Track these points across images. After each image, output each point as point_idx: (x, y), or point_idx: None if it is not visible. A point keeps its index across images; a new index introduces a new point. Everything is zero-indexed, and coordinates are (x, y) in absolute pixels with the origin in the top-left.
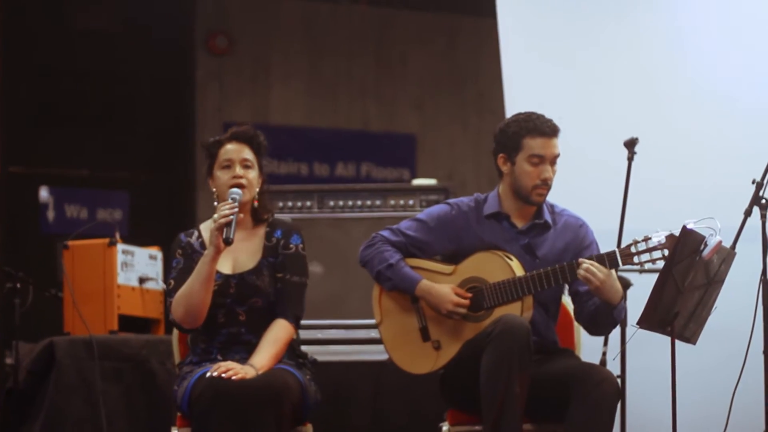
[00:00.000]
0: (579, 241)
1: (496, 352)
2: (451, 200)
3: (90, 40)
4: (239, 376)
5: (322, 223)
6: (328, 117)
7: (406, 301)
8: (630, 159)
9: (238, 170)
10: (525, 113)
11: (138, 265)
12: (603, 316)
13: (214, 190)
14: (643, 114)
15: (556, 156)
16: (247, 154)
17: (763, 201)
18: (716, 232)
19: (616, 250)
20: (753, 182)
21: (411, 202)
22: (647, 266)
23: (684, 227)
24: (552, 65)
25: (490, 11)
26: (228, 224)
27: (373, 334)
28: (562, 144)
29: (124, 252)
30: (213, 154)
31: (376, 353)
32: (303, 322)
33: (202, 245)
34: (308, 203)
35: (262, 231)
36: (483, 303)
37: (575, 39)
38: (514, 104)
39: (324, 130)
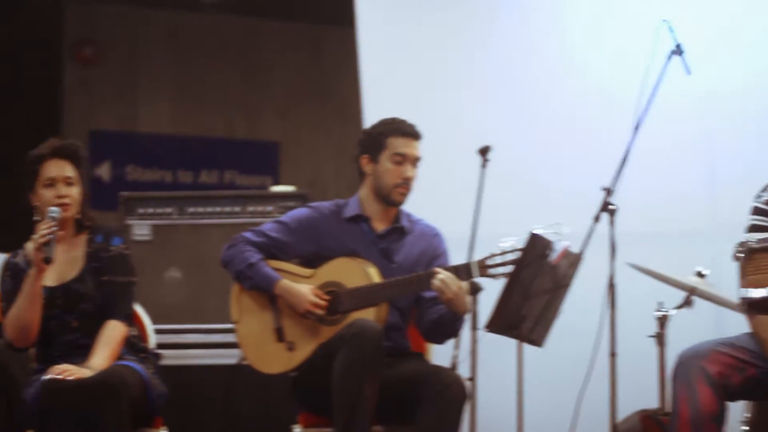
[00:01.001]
0: (433, 249)
1: (349, 356)
2: (312, 203)
3: None
4: (75, 376)
5: (182, 229)
6: (193, 125)
7: (265, 301)
8: (483, 166)
9: (62, 189)
10: (390, 117)
11: None
12: (446, 325)
13: (37, 205)
14: (497, 121)
15: (418, 158)
16: (70, 171)
17: (611, 207)
18: (563, 237)
19: (473, 262)
20: (602, 189)
21: (269, 208)
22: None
23: (532, 233)
24: (409, 74)
25: (352, 21)
26: (47, 243)
27: (230, 338)
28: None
29: None
30: (35, 170)
31: (233, 357)
32: (161, 326)
33: (28, 264)
34: (168, 210)
35: (83, 238)
36: (339, 307)
37: (432, 48)
38: (372, 113)
39: (189, 138)
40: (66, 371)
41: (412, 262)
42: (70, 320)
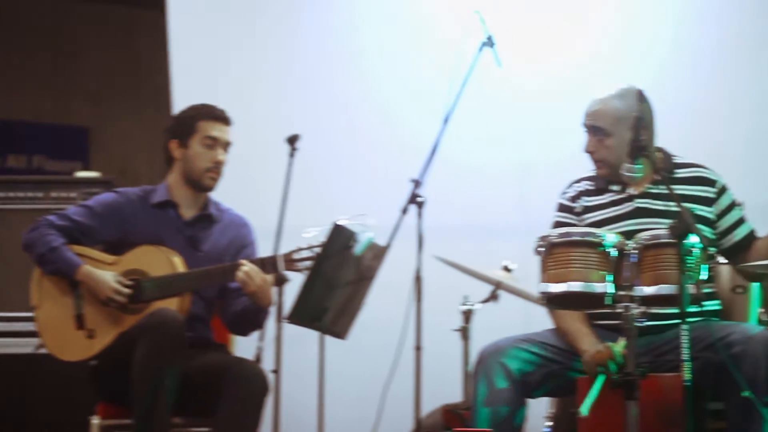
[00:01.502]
0: (241, 239)
1: (149, 346)
2: (119, 189)
3: None
4: None
5: None
6: (0, 108)
7: (66, 287)
8: (291, 155)
9: None
10: (200, 103)
11: None
12: (250, 317)
13: None
14: (306, 111)
15: (229, 143)
16: None
17: (419, 199)
18: (368, 228)
19: (279, 255)
20: (411, 181)
21: (73, 194)
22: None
23: (335, 223)
24: (219, 60)
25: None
26: None
27: (31, 327)
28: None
29: None
30: None
31: (30, 346)
32: None
33: None
34: None
35: None
36: (142, 295)
37: (242, 35)
38: (182, 100)
39: None
40: None
41: (220, 252)
42: None
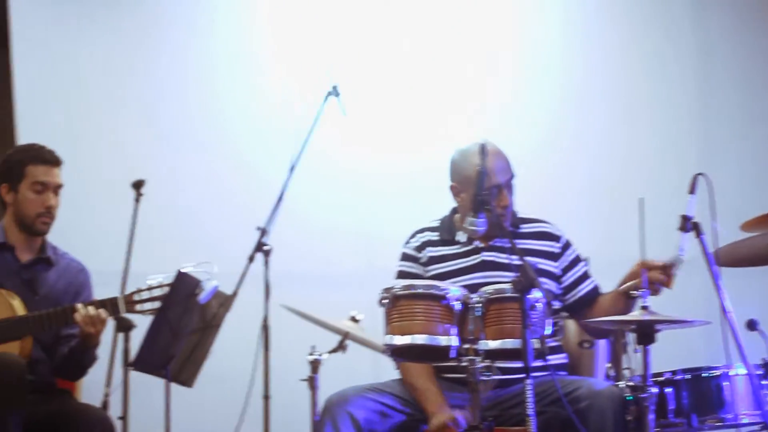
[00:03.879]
0: (78, 284)
1: None
2: None
3: None
4: None
5: None
6: None
7: None
8: (137, 200)
9: None
10: (28, 144)
11: None
12: (76, 359)
13: None
14: (152, 155)
15: (60, 185)
16: None
17: (265, 248)
18: (213, 276)
19: (119, 296)
20: (257, 228)
21: None
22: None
23: (179, 271)
24: (65, 99)
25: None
26: None
27: None
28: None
29: None
30: None
31: None
32: None
33: None
34: None
35: None
36: None
37: (90, 73)
38: (26, 139)
39: None
40: None
41: (58, 295)
42: None
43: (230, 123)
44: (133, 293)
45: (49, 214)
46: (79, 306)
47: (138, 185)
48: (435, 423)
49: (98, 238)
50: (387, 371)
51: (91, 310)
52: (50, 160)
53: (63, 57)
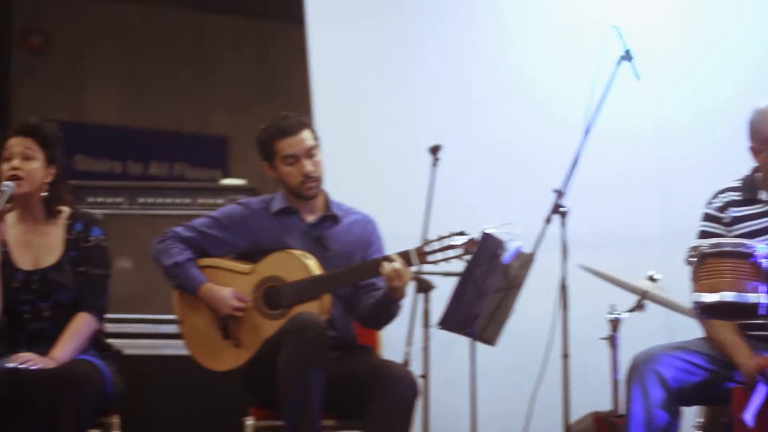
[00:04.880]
0: (367, 236)
1: (292, 351)
2: (242, 200)
3: None
4: (38, 366)
5: (133, 219)
6: (142, 117)
7: None
8: (434, 165)
9: (16, 162)
10: (272, 118)
11: None
12: (385, 309)
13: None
14: (447, 121)
15: (310, 148)
16: (29, 145)
17: (562, 209)
18: (515, 237)
19: (411, 249)
20: (554, 191)
21: (220, 201)
22: (442, 266)
23: (484, 232)
24: (359, 71)
25: (301, 18)
26: None
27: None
28: (366, 148)
29: None
30: (2, 149)
31: (182, 347)
32: (112, 315)
33: None
34: (119, 200)
35: (62, 224)
36: (282, 301)
37: (383, 45)
38: (322, 111)
39: (139, 130)
40: (29, 360)
41: (348, 249)
42: (43, 308)
43: (521, 87)
44: (423, 245)
45: (309, 179)
46: (391, 258)
47: (435, 150)
48: (750, 368)
49: (397, 203)
50: (682, 330)
51: (397, 264)
52: (291, 130)
53: (355, 33)
